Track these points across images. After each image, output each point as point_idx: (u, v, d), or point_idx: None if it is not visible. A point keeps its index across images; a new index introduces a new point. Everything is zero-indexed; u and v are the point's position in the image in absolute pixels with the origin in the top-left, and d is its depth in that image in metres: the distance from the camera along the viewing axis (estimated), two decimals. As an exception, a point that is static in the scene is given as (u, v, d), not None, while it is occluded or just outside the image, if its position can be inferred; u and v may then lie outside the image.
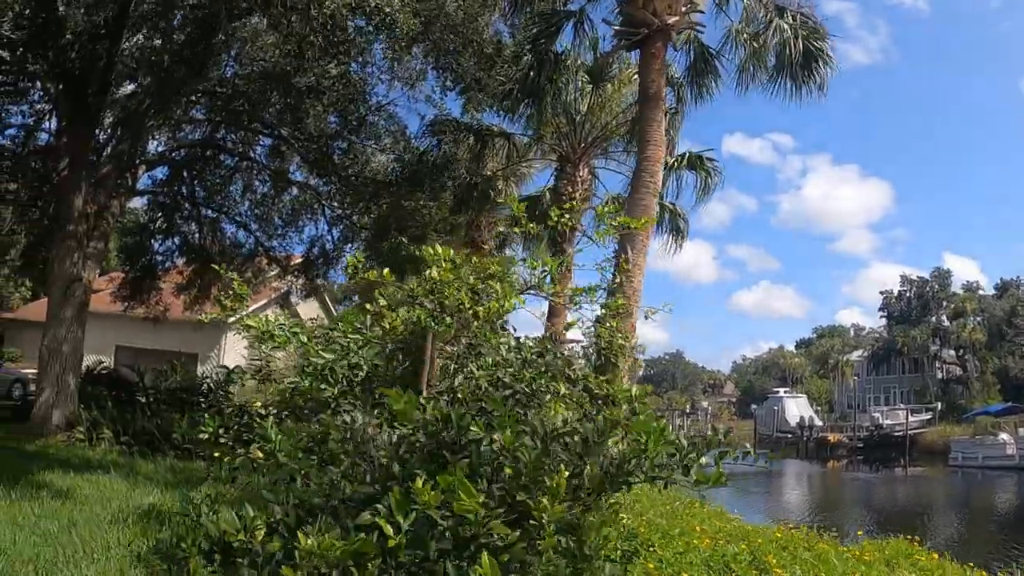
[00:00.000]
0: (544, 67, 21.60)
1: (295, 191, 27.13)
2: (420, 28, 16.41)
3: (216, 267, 12.42)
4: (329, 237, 27.26)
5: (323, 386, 6.82)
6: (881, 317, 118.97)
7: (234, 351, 38.82)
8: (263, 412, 7.49)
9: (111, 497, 11.83)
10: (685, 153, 25.22)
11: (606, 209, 9.87)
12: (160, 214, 27.71)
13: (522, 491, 4.95)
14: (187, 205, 27.06)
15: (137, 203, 29.00)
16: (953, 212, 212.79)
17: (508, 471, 5.05)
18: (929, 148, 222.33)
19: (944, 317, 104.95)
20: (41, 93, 21.90)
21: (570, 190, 23.97)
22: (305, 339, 7.68)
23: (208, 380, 23.69)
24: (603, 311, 9.12)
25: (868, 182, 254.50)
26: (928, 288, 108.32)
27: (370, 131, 22.84)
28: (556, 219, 9.68)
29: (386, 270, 8.02)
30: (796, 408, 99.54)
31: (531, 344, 7.96)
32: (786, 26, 19.44)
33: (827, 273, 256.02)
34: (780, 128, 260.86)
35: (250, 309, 32.32)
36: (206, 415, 7.77)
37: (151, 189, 25.96)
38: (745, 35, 20.57)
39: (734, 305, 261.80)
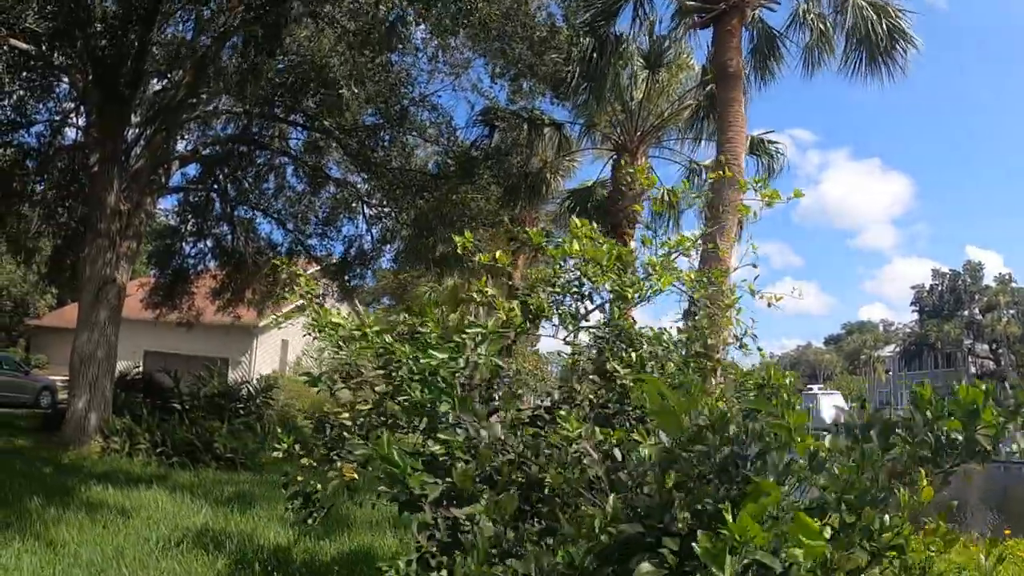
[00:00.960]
0: (605, 49, 20.43)
1: (332, 189, 26.01)
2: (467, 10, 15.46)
3: (276, 262, 10.94)
4: (368, 237, 26.21)
5: (440, 393, 5.51)
6: (913, 311, 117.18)
7: (266, 355, 38.00)
8: (347, 423, 6.23)
9: (158, 517, 10.71)
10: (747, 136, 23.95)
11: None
12: (191, 216, 26.66)
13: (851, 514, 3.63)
14: (219, 205, 26.06)
15: (167, 204, 27.97)
16: (974, 206, 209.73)
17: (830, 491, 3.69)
18: (949, 141, 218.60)
19: (977, 311, 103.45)
20: (68, 87, 20.84)
21: (629, 180, 22.69)
22: (389, 339, 6.43)
23: (248, 386, 22.61)
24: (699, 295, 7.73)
25: (889, 176, 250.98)
26: (960, 282, 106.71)
27: (413, 123, 21.68)
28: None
29: (499, 253, 6.70)
30: (831, 405, 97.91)
31: (673, 334, 6.71)
32: (864, 3, 18.14)
33: (850, 269, 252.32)
34: (799, 123, 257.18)
35: (277, 315, 31.75)
36: (279, 429, 6.53)
37: (184, 186, 24.90)
38: (813, 15, 19.32)
39: (758, 301, 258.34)
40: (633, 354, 5.95)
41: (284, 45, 19.09)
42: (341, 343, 6.44)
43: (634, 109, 24.52)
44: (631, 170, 22.91)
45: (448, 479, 4.63)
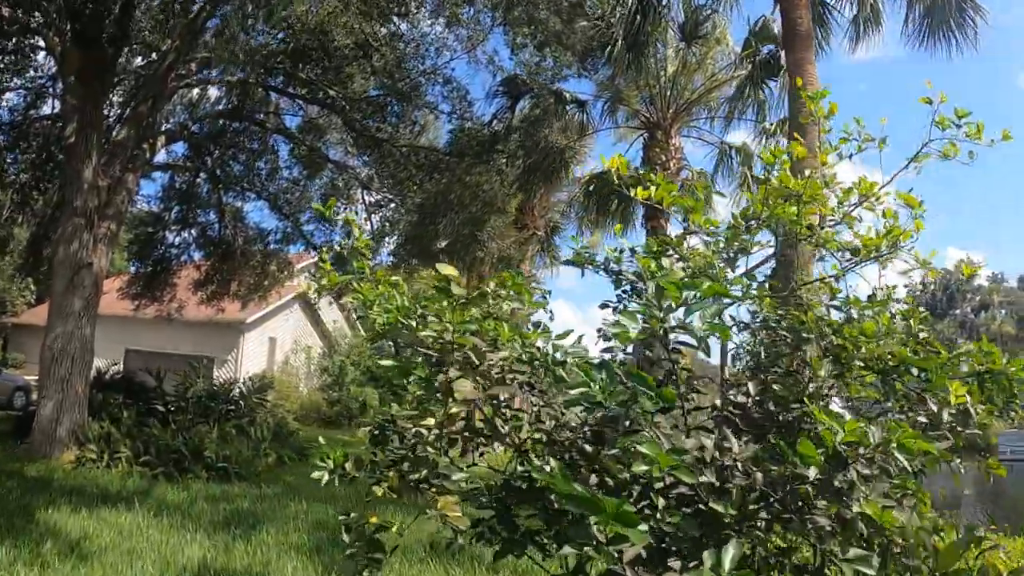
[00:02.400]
0: (648, 12, 18.66)
1: (329, 174, 24.00)
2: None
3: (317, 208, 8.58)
4: (368, 226, 24.22)
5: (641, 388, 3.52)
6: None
7: (254, 353, 35.99)
8: (430, 432, 4.33)
9: (141, 550, 8.62)
10: (786, 121, 22.15)
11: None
12: (176, 202, 24.53)
13: None
14: (207, 189, 23.94)
15: (150, 189, 25.78)
16: (954, 205, 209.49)
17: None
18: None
19: (969, 310, 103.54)
20: (45, 53, 18.76)
21: (663, 158, 20.98)
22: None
23: (239, 386, 20.49)
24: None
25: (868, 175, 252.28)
26: (953, 281, 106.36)
27: (423, 98, 19.76)
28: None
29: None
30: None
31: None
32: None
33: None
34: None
35: (265, 311, 29.87)
36: (322, 448, 4.60)
37: (171, 163, 22.73)
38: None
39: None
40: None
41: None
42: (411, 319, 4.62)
43: (665, 85, 22.74)
44: (656, 149, 21.44)
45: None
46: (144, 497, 11.97)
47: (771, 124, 22.63)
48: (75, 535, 9.01)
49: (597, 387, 3.19)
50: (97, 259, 15.78)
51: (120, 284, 26.98)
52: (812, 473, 3.16)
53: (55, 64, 18.24)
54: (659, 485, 3.35)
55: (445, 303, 4.88)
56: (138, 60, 20.01)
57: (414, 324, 5.00)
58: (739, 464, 3.43)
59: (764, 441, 3.73)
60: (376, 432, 4.92)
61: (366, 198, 23.88)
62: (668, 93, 23.00)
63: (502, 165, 19.91)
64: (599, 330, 5.09)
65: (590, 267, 5.29)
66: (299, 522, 11.19)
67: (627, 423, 3.30)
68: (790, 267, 6.46)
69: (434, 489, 4.15)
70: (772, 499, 3.41)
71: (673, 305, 3.57)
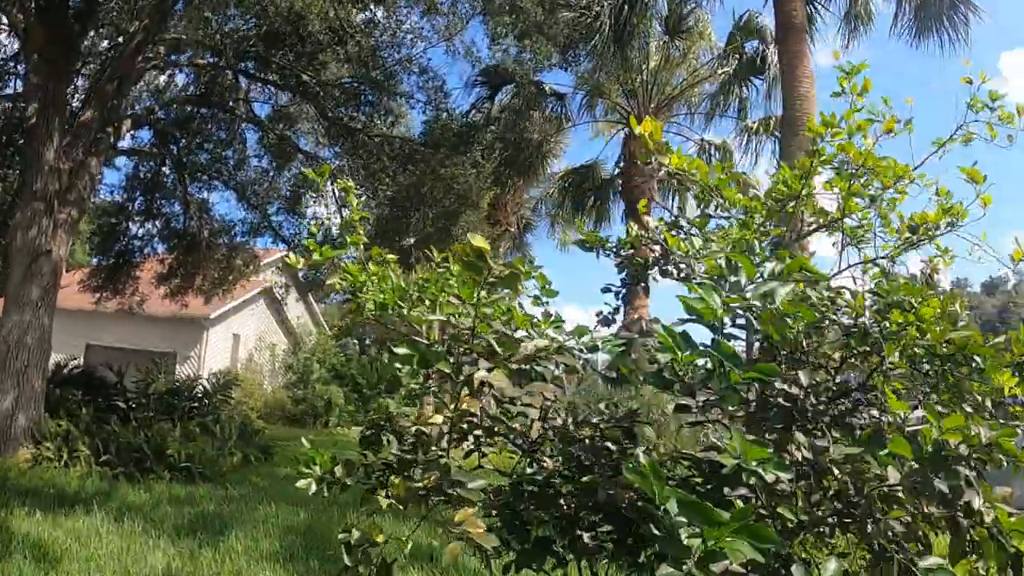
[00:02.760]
0: (635, 8, 18.25)
1: (299, 165, 23.23)
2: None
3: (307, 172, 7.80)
4: (337, 220, 23.53)
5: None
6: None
7: (217, 349, 35.15)
8: (436, 430, 3.77)
9: (101, 558, 7.94)
10: (770, 119, 21.83)
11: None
12: (139, 193, 23.69)
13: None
14: (172, 179, 23.09)
15: (113, 179, 24.88)
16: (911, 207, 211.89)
17: None
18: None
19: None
20: (8, 32, 17.97)
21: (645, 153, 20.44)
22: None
23: (202, 382, 19.73)
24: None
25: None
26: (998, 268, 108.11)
27: (399, 87, 19.15)
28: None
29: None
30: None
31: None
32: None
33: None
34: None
35: (229, 306, 29.11)
36: (308, 451, 3.98)
37: (136, 148, 21.86)
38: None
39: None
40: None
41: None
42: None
43: (648, 79, 22.29)
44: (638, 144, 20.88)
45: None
46: (104, 499, 11.28)
47: (753, 122, 22.33)
48: (29, 541, 8.32)
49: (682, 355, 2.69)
50: (57, 247, 15.00)
51: (81, 277, 26.06)
52: (896, 475, 2.88)
53: (18, 42, 17.50)
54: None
55: (454, 283, 4.34)
56: (104, 44, 19.21)
57: (410, 308, 4.55)
58: (819, 463, 3.09)
59: (812, 436, 3.31)
60: (369, 432, 4.30)
61: (336, 191, 23.16)
62: (651, 87, 22.54)
63: (478, 157, 19.33)
64: (599, 313, 5.10)
65: (602, 249, 4.99)
66: (269, 526, 10.54)
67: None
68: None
69: (445, 499, 3.56)
70: (844, 502, 3.11)
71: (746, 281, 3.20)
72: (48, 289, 14.89)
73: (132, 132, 20.18)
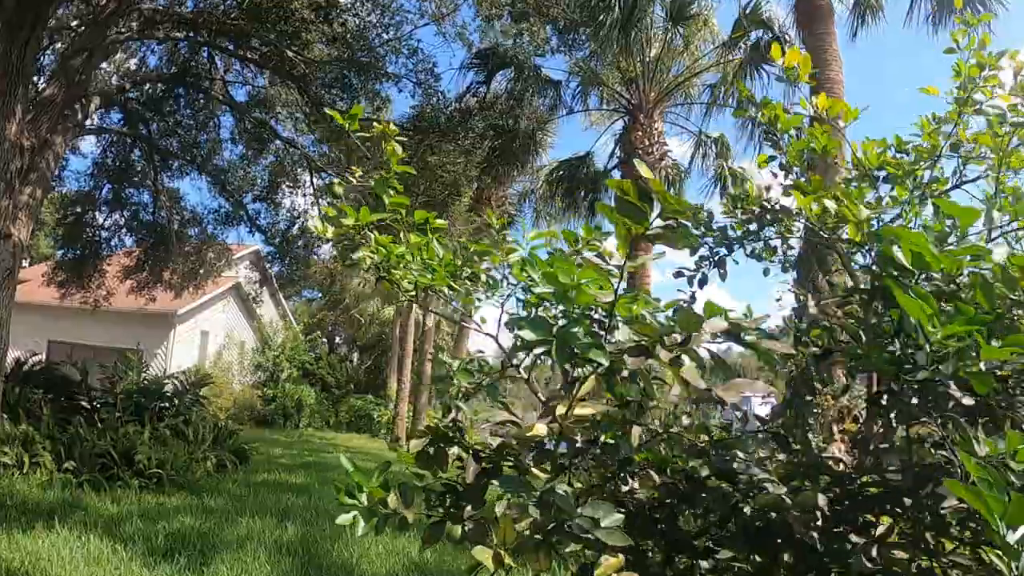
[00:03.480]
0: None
1: (274, 156, 22.08)
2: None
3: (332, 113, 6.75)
4: (315, 212, 22.44)
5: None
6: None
7: (185, 346, 33.87)
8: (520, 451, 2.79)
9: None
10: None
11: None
12: (107, 181, 22.41)
13: None
14: (142, 166, 21.79)
15: (79, 165, 23.48)
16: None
17: None
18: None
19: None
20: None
21: (646, 143, 19.60)
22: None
23: (173, 381, 18.44)
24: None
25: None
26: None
27: (386, 69, 18.02)
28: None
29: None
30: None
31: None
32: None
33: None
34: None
35: (197, 302, 27.91)
36: (352, 474, 2.90)
37: (104, 128, 20.48)
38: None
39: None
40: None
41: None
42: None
43: (649, 66, 21.38)
44: (639, 132, 20.18)
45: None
46: (70, 512, 10.09)
47: (757, 112, 21.31)
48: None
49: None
50: (17, 230, 13.66)
51: (45, 270, 24.97)
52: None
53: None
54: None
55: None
56: (75, 23, 17.93)
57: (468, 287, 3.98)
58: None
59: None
60: (430, 444, 3.38)
61: (315, 181, 22.02)
62: (652, 76, 21.58)
63: (469, 145, 18.27)
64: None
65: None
66: (256, 545, 9.36)
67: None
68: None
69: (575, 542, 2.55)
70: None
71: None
72: (8, 274, 13.55)
73: (101, 110, 18.84)
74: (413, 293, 3.95)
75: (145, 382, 18.05)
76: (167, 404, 17.24)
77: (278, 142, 21.19)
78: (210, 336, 36.87)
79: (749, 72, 20.23)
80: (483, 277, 3.98)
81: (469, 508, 3.11)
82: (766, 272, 4.77)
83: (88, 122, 17.26)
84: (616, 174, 22.65)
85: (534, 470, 2.95)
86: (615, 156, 23.20)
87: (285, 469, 17.84)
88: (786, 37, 19.55)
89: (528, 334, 2.48)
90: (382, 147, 4.12)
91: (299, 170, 21.82)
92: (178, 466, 13.71)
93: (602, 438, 3.25)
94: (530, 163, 23.77)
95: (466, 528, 3.02)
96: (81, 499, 11.23)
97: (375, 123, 4.07)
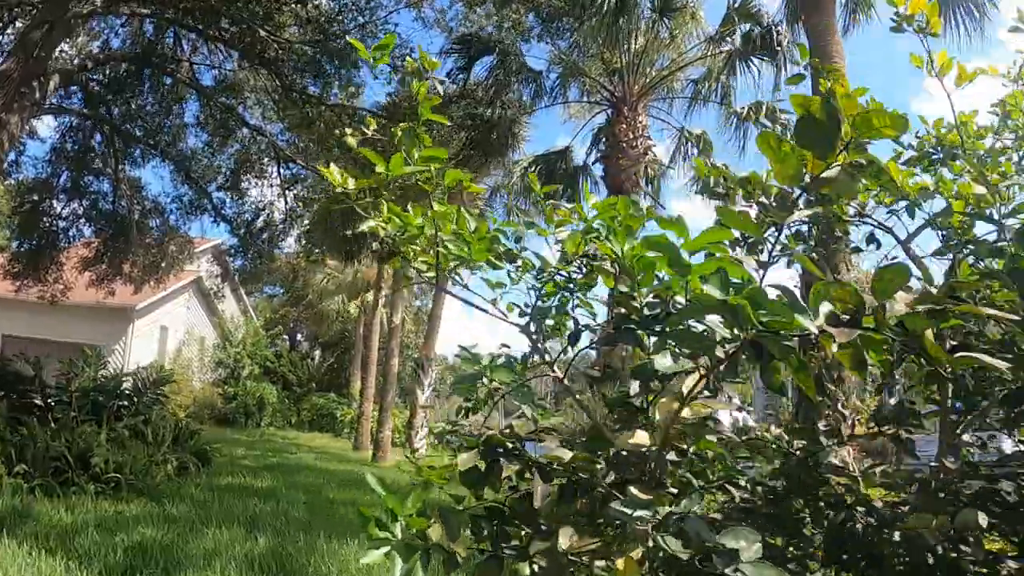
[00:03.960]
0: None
1: (241, 141, 21.22)
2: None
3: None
4: (281, 203, 21.75)
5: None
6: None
7: (144, 342, 32.92)
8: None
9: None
10: (761, 104, 20.53)
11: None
12: (66, 168, 21.51)
13: None
14: (102, 152, 20.86)
15: (36, 151, 22.52)
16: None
17: None
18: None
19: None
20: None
21: (630, 136, 19.13)
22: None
23: (133, 378, 17.51)
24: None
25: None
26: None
27: (351, 56, 17.32)
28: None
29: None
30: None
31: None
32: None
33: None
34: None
35: (157, 297, 27.04)
36: (384, 500, 2.55)
37: (63, 107, 19.50)
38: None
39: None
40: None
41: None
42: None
43: (634, 58, 20.88)
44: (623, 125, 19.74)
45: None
46: (17, 522, 9.19)
47: (742, 108, 20.97)
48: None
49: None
50: (-34, 213, 12.83)
51: (1, 261, 24.15)
52: None
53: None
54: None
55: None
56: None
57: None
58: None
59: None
60: (482, 457, 2.84)
61: (282, 171, 21.24)
62: (637, 67, 21.03)
63: (446, 135, 17.64)
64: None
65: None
66: (225, 560, 8.55)
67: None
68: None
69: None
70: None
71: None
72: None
73: (61, 90, 17.90)
74: (432, 274, 3.40)
75: (103, 379, 17.10)
76: (126, 403, 16.31)
77: (245, 130, 20.41)
78: (170, 332, 36.13)
79: (739, 64, 19.82)
80: (525, 253, 3.39)
81: (538, 541, 2.54)
82: (790, 264, 4.29)
83: (46, 103, 16.34)
84: (597, 169, 22.14)
85: (636, 490, 2.32)
86: (596, 150, 22.72)
87: (249, 472, 17.06)
88: (778, 30, 19.18)
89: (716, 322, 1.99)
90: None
91: (266, 160, 21.06)
92: (137, 469, 12.88)
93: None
94: (508, 155, 23.12)
95: (537, 567, 2.50)
96: (32, 507, 10.36)
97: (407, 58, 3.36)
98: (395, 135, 3.29)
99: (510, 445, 2.87)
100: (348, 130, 3.57)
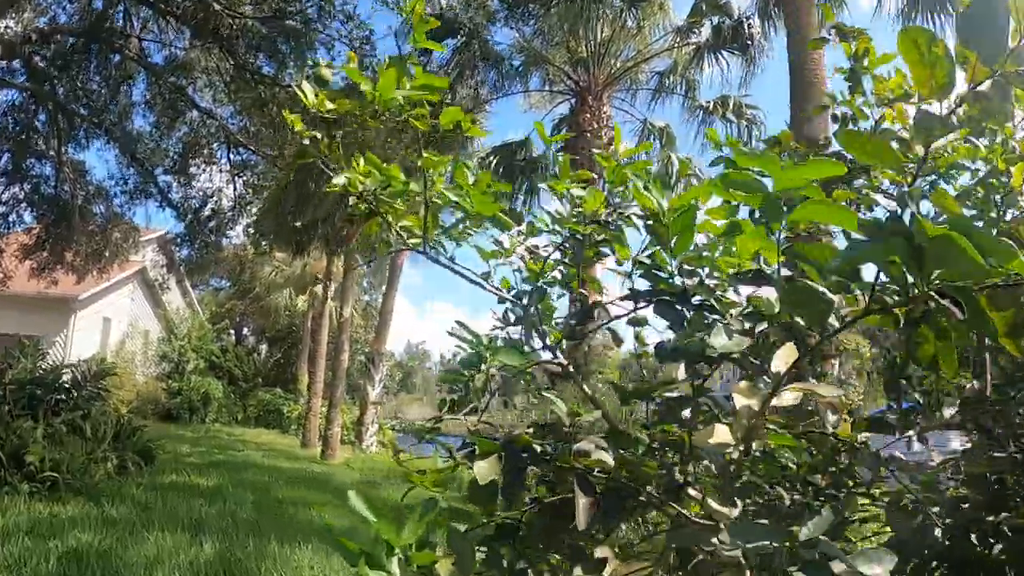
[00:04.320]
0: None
1: (189, 125, 20.48)
2: None
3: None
4: (231, 190, 21.10)
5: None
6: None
7: (85, 334, 31.96)
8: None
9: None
10: (728, 99, 20.28)
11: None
12: (6, 150, 20.76)
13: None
14: (45, 131, 20.00)
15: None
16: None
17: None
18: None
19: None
20: None
21: (595, 126, 18.84)
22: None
23: (73, 370, 16.70)
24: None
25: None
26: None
27: (318, 34, 16.67)
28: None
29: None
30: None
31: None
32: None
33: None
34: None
35: (100, 287, 26.19)
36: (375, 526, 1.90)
37: (8, 81, 18.64)
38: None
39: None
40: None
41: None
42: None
43: (600, 48, 20.54)
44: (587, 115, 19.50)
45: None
46: (-60, 527, 8.43)
47: (707, 101, 20.73)
48: None
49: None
50: None
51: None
52: None
53: None
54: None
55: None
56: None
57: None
58: None
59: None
60: (509, 468, 2.25)
61: (231, 157, 20.55)
62: (602, 57, 20.68)
63: (401, 122, 16.96)
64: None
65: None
66: (169, 568, 7.89)
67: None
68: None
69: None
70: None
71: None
72: None
73: (3, 64, 17.10)
74: (417, 240, 2.96)
75: (41, 371, 16.28)
76: (64, 397, 15.51)
77: (195, 112, 19.70)
78: (113, 324, 35.24)
79: (707, 57, 19.59)
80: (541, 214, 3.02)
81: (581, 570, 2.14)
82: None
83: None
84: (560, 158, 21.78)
85: (713, 505, 2.03)
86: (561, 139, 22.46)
87: (194, 470, 16.36)
88: (750, 23, 18.95)
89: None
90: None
91: (215, 144, 20.36)
92: (75, 468, 12.17)
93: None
94: (468, 146, 22.62)
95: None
96: (-42, 509, 9.61)
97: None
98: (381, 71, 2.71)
99: (539, 448, 2.32)
100: (322, 61, 3.03)
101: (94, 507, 10.77)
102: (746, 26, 18.93)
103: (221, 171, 20.89)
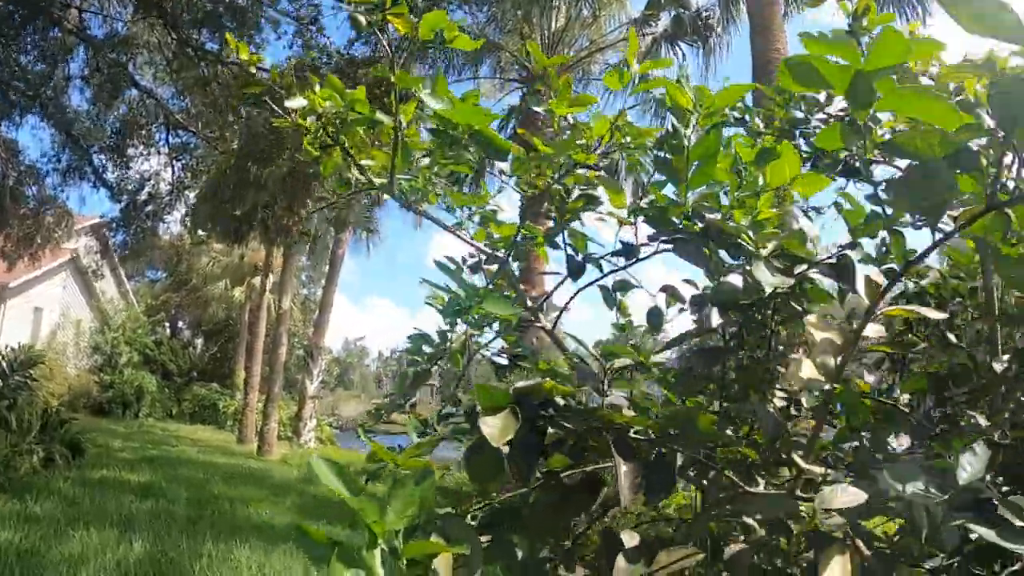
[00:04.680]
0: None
1: (126, 105, 19.78)
2: None
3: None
4: (169, 174, 20.45)
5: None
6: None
7: (15, 324, 30.97)
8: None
9: None
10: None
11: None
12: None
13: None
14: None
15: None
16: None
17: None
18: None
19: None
20: None
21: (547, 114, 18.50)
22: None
23: (-1, 359, 15.98)
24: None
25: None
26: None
27: (266, 12, 16.07)
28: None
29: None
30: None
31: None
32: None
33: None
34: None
35: (31, 275, 25.31)
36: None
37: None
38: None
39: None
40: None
41: None
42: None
43: (554, 37, 20.44)
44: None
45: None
46: None
47: (662, 93, 20.42)
48: None
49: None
50: None
51: None
52: None
53: None
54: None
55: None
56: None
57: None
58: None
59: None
60: (530, 422, 1.74)
61: (170, 139, 19.88)
62: (556, 46, 20.45)
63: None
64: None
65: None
66: (94, 568, 7.25)
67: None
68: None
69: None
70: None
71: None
72: None
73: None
74: (382, 180, 2.75)
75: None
76: (-11, 386, 14.79)
77: (134, 91, 18.91)
78: (44, 313, 34.23)
79: (665, 47, 19.35)
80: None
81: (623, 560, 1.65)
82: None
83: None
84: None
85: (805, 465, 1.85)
86: (508, 128, 22.08)
87: (126, 465, 15.70)
88: (711, 13, 18.70)
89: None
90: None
91: (154, 126, 19.62)
92: (-1, 462, 11.49)
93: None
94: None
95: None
96: None
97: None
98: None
99: (562, 401, 1.86)
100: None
101: (16, 502, 10.18)
102: (703, 17, 18.80)
103: (160, 153, 20.17)
